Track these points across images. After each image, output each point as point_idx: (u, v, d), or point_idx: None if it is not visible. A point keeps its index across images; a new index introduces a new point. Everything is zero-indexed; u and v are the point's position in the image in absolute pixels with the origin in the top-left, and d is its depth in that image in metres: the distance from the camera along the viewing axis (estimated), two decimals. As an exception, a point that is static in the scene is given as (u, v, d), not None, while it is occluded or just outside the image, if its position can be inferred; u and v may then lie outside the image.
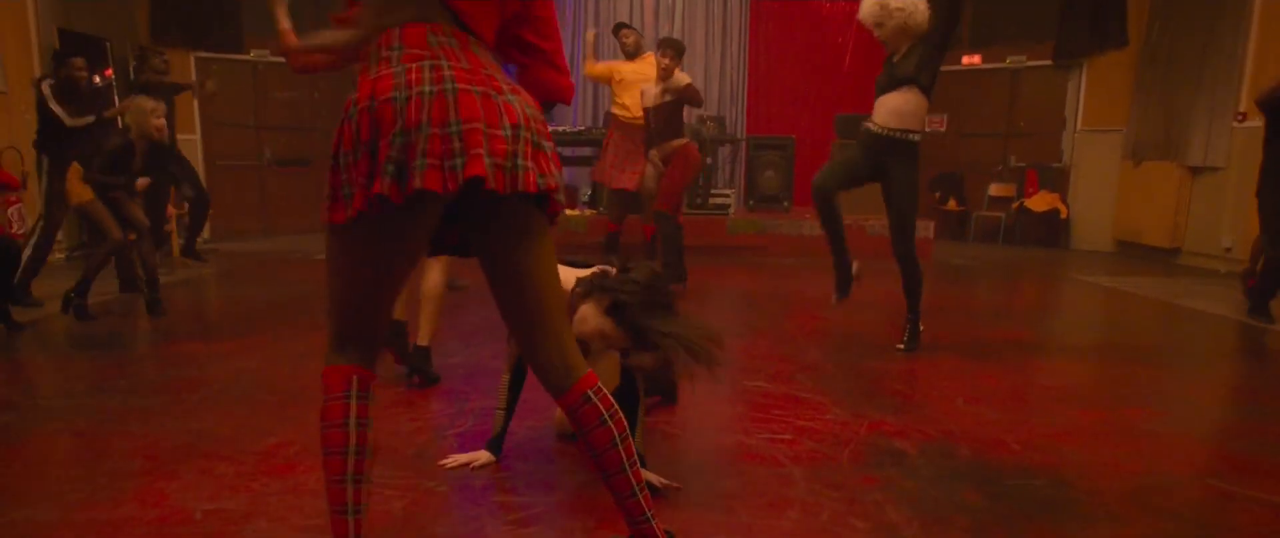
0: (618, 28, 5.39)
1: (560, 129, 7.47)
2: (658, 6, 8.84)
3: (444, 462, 2.26)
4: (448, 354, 3.50)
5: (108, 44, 6.75)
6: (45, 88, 5.04)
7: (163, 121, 4.49)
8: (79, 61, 5.15)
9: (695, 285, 4.61)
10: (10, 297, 4.20)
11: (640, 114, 5.14)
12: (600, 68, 5.46)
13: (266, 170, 8.59)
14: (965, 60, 8.81)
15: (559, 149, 4.91)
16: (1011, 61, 8.46)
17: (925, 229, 7.02)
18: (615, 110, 5.19)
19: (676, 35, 8.88)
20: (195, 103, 7.51)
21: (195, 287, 5.48)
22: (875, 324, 4.37)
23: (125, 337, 3.98)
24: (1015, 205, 8.34)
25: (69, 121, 5.03)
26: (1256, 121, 6.17)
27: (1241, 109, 6.28)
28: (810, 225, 7.09)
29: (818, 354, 3.61)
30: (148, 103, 4.47)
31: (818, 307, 4.88)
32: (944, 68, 9.20)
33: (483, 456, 2.26)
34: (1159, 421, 2.76)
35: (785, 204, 7.56)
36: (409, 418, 2.65)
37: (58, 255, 5.80)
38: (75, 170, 4.31)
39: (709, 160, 7.38)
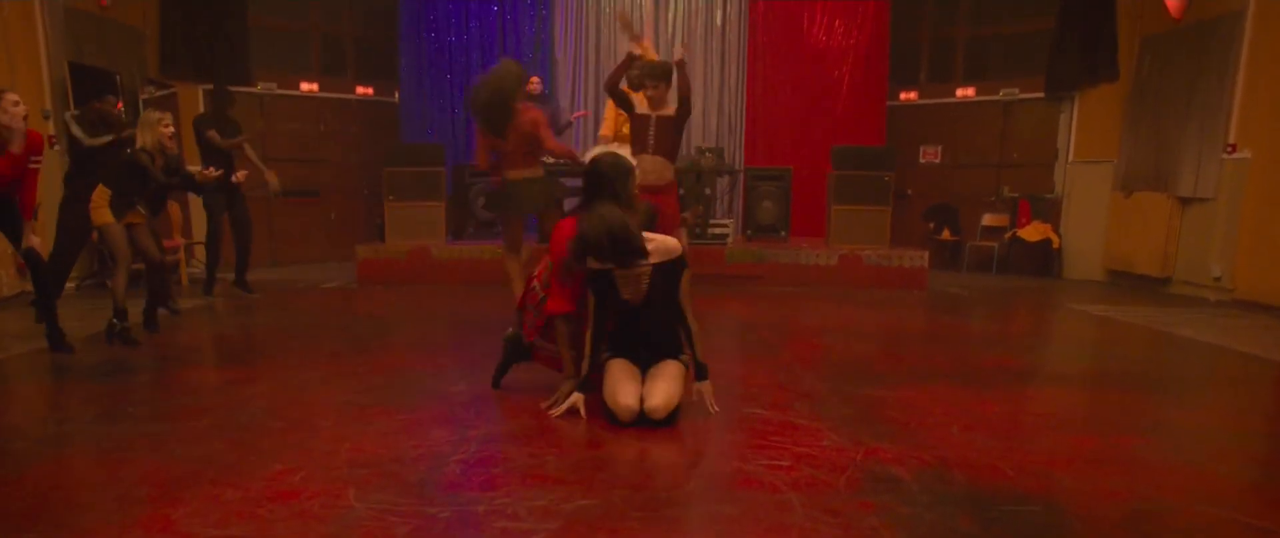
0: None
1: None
2: (656, 42, 9.01)
3: (545, 406, 2.91)
4: (451, 382, 3.55)
5: (118, 77, 6.86)
6: (68, 117, 5.31)
7: (172, 128, 4.69)
8: (110, 98, 5.65)
9: (694, 313, 4.66)
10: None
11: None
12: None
13: (274, 201, 8.66)
14: (959, 93, 8.96)
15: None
16: (1004, 94, 8.61)
17: (920, 258, 7.10)
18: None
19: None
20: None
21: (203, 315, 5.52)
22: (872, 353, 4.42)
23: (133, 364, 4.01)
24: (1008, 235, 8.42)
25: (87, 141, 5.34)
26: (1246, 153, 6.28)
27: (1231, 141, 6.39)
28: (807, 254, 7.17)
29: (815, 382, 3.65)
30: (154, 114, 4.68)
31: (815, 335, 4.93)
32: (938, 100, 9.36)
33: (577, 398, 2.86)
34: (1152, 447, 2.80)
35: (782, 233, 7.64)
36: (412, 445, 2.68)
37: (68, 285, 5.82)
38: (101, 192, 4.43)
39: (708, 191, 7.49)
